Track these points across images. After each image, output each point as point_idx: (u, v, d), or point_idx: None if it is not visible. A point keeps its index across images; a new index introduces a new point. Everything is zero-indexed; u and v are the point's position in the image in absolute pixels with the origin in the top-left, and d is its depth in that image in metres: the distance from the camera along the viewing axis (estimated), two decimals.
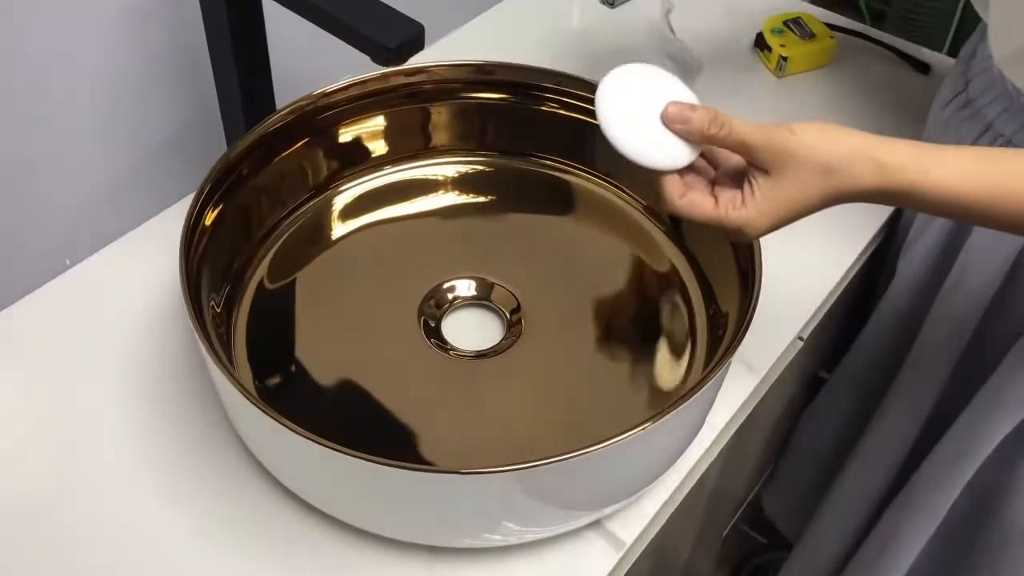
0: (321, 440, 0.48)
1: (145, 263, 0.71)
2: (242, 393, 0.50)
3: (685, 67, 0.89)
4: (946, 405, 0.78)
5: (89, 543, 0.57)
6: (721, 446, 0.68)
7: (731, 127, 0.52)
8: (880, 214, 0.80)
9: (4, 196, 0.64)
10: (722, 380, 0.63)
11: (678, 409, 0.52)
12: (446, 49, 0.93)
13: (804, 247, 0.76)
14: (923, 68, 0.93)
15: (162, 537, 0.57)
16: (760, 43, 0.93)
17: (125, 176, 0.71)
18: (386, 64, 0.54)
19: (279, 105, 0.68)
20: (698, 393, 0.53)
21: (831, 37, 0.92)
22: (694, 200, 0.54)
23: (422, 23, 0.54)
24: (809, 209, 0.53)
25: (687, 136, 0.54)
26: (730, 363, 0.64)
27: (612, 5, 1.00)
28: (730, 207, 0.53)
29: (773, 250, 0.76)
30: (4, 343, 0.66)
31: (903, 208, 0.55)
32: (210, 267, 0.62)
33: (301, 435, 0.48)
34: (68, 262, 0.71)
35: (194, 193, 0.60)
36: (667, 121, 0.54)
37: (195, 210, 0.60)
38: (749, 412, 0.70)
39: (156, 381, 0.65)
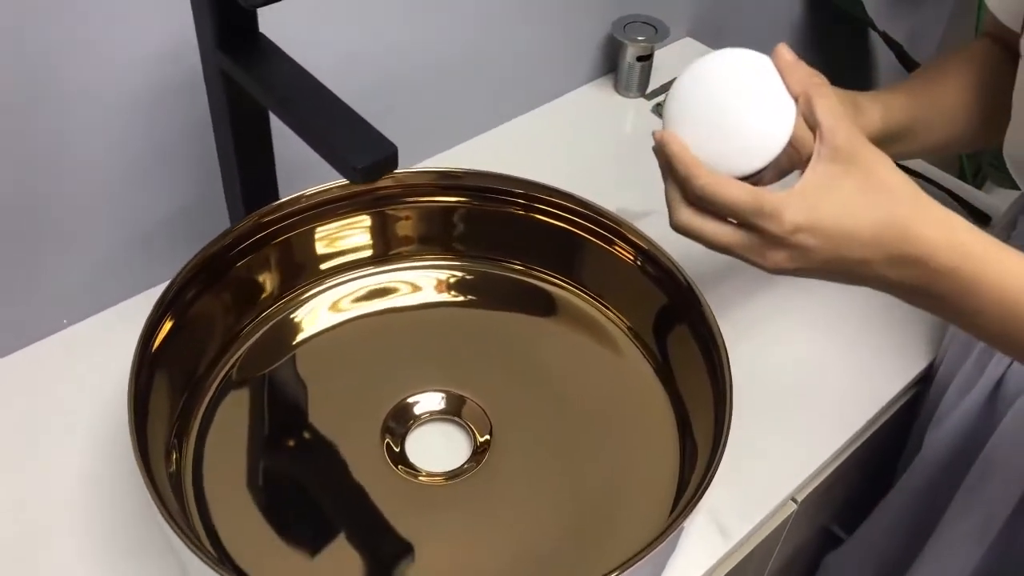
0: None
1: (135, 331, 0.72)
2: (184, 541, 0.48)
3: None
4: None
5: None
6: None
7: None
8: (898, 380, 0.74)
9: (19, 248, 0.66)
10: (674, 545, 0.59)
11: None
12: (479, 148, 0.92)
13: (806, 409, 0.71)
14: (984, 218, 0.86)
15: None
16: None
17: (132, 245, 0.72)
18: (355, 182, 0.54)
19: (282, 193, 0.69)
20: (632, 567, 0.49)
21: None
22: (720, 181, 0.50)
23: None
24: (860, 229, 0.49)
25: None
26: (687, 524, 0.59)
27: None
28: (767, 191, 0.49)
29: (770, 411, 0.71)
30: None
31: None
32: (167, 373, 0.60)
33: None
34: (65, 321, 0.72)
35: (158, 297, 0.60)
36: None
37: (157, 313, 0.59)
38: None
39: (120, 457, 0.65)
